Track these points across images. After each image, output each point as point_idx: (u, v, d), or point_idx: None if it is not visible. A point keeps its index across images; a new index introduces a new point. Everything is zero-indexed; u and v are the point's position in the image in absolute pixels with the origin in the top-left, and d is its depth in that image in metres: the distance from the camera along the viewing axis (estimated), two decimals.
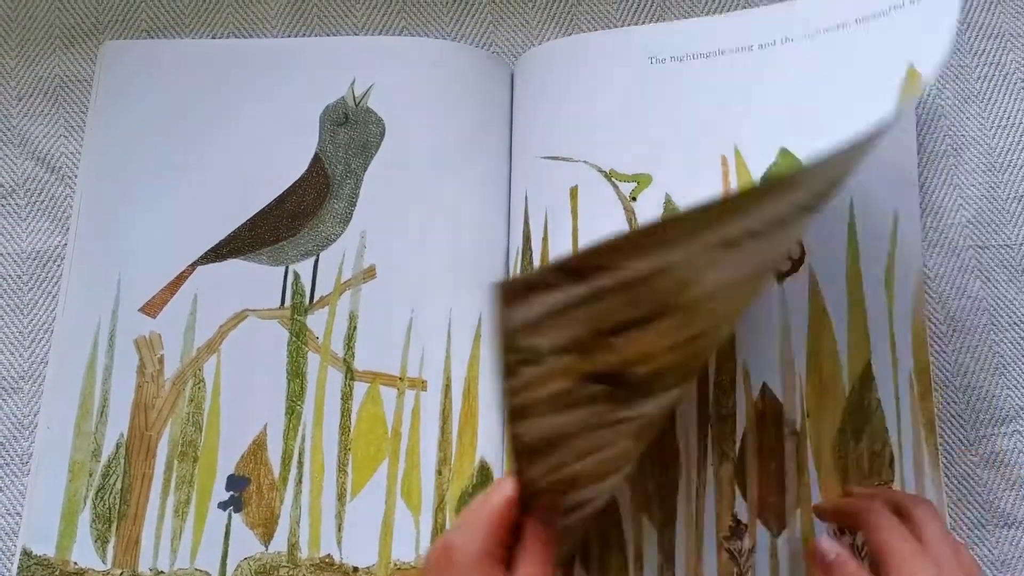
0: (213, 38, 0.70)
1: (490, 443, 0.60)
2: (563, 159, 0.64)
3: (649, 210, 0.63)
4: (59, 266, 0.65)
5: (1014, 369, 0.64)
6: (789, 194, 0.38)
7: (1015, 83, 0.69)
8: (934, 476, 0.61)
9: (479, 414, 0.61)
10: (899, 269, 0.64)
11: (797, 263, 0.63)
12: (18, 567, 0.59)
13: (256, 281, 0.64)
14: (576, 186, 0.63)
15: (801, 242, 0.63)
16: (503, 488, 0.46)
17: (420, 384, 0.61)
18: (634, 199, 0.63)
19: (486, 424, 0.61)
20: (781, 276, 0.63)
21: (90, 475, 0.61)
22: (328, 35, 0.71)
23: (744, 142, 0.63)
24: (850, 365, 0.62)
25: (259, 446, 0.61)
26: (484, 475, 0.60)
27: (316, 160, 0.65)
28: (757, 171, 0.62)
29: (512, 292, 0.35)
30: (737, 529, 0.59)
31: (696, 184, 0.63)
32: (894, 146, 0.66)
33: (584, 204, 0.63)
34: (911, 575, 0.48)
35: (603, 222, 0.63)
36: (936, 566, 0.49)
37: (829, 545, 0.52)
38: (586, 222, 0.63)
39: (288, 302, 0.63)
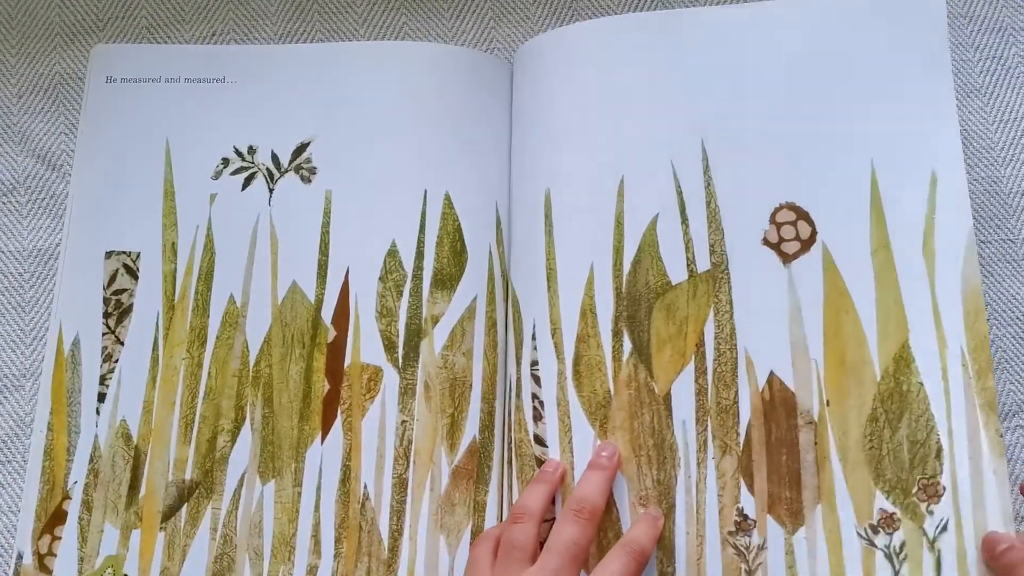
0: (213, 35, 0.70)
1: None
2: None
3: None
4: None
5: (1016, 364, 0.64)
6: None
7: (1017, 77, 0.69)
8: (997, 466, 0.55)
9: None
10: (941, 234, 0.59)
11: (807, 243, 0.60)
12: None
13: None
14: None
15: (809, 218, 0.61)
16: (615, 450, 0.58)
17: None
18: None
19: None
20: (788, 258, 0.60)
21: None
22: (328, 31, 0.70)
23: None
24: (881, 346, 0.58)
25: None
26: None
27: None
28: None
29: None
30: (744, 524, 0.57)
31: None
32: (923, 93, 0.62)
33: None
34: None
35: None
36: None
37: (1000, 536, 0.53)
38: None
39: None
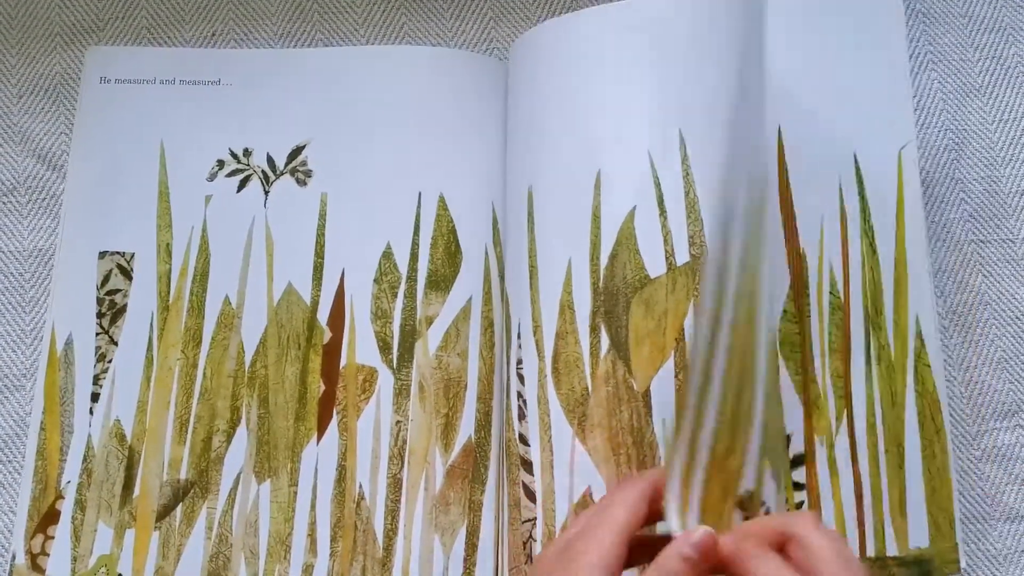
0: (213, 35, 0.70)
1: None
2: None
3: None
4: None
5: (1016, 363, 0.64)
6: None
7: (1016, 77, 0.68)
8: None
9: None
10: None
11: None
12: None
13: None
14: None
15: None
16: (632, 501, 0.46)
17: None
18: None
19: None
20: None
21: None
22: (328, 32, 0.71)
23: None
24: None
25: None
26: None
27: None
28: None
29: None
30: None
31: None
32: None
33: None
34: None
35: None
36: None
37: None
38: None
39: None
